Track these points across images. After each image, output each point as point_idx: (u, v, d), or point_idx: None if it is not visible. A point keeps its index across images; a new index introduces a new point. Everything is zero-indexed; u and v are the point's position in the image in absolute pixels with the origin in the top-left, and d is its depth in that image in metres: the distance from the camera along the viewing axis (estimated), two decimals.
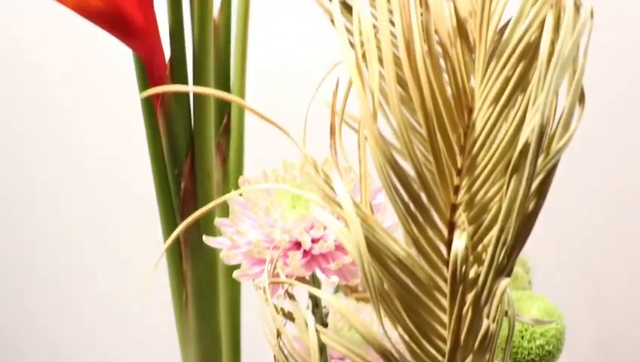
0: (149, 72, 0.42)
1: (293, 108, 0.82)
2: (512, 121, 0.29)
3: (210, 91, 0.43)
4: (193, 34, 0.43)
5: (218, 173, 0.53)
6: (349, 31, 0.50)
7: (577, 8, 0.28)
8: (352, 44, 0.50)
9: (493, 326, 0.31)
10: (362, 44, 0.31)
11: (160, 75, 0.42)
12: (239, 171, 0.54)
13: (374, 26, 0.31)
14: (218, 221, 0.39)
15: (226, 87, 0.53)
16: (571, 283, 0.85)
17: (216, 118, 0.52)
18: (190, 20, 0.48)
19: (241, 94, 0.55)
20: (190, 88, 0.42)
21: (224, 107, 0.53)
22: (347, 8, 0.51)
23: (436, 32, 0.30)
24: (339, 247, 0.36)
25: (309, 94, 0.36)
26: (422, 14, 0.30)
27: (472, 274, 0.31)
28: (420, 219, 0.31)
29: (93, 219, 0.90)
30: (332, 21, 0.36)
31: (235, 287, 0.49)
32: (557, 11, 0.29)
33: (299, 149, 0.31)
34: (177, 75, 0.43)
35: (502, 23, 0.31)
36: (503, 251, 0.29)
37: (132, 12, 0.40)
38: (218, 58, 0.52)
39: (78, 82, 0.88)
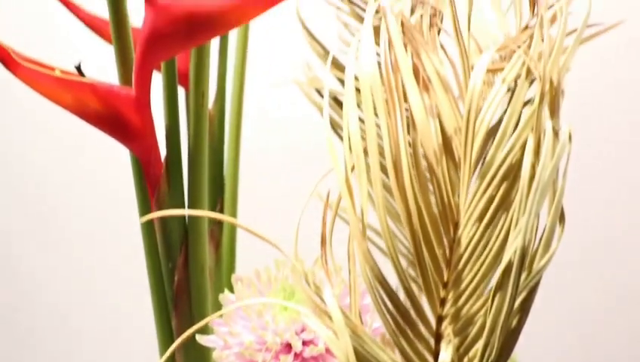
0: (144, 170, 0.43)
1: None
2: (496, 239, 0.30)
3: (204, 213, 0.44)
4: (189, 131, 0.45)
5: (211, 259, 0.54)
6: (339, 126, 0.52)
7: (556, 133, 0.30)
8: (340, 137, 0.52)
9: None
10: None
11: (155, 174, 0.43)
12: (232, 258, 0.55)
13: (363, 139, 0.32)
14: (211, 321, 0.39)
15: (219, 175, 0.55)
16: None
17: (209, 204, 0.53)
18: (186, 115, 0.50)
19: (235, 179, 0.56)
20: (185, 212, 0.43)
21: (217, 194, 0.55)
22: (338, 103, 0.53)
23: (424, 154, 0.31)
24: (329, 350, 0.37)
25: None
26: (409, 133, 0.32)
27: None
28: (408, 330, 0.32)
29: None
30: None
31: None
32: (537, 135, 0.30)
33: (289, 261, 0.32)
34: (173, 173, 0.44)
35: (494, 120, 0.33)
36: None
37: (129, 115, 0.41)
38: (212, 145, 0.53)
39: (76, 170, 0.90)
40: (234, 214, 0.55)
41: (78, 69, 0.40)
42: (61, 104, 0.41)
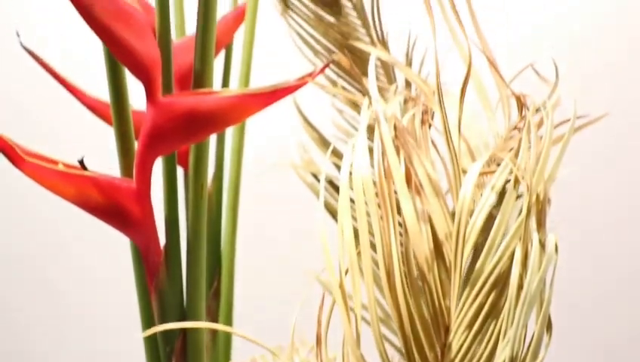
0: (144, 257, 0.44)
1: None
2: (486, 346, 0.31)
3: (203, 324, 0.45)
4: (187, 220, 0.46)
5: (207, 334, 0.55)
6: (332, 207, 0.53)
7: (543, 244, 0.31)
8: (336, 219, 0.53)
9: None
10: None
11: (155, 261, 0.44)
12: (228, 334, 0.56)
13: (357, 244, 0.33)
14: None
15: (216, 247, 0.56)
16: None
17: (207, 283, 0.54)
18: (184, 195, 0.51)
19: (231, 258, 0.57)
20: (185, 324, 0.44)
21: (215, 270, 0.56)
22: (333, 186, 0.54)
23: (415, 258, 0.32)
24: None
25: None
26: (402, 242, 0.33)
27: None
28: None
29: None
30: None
31: None
32: (525, 245, 0.31)
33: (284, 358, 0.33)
34: (171, 261, 0.45)
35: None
36: None
37: (130, 206, 0.42)
38: (210, 218, 0.54)
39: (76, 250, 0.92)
40: (230, 292, 0.56)
41: (81, 163, 0.42)
42: (64, 196, 0.42)
